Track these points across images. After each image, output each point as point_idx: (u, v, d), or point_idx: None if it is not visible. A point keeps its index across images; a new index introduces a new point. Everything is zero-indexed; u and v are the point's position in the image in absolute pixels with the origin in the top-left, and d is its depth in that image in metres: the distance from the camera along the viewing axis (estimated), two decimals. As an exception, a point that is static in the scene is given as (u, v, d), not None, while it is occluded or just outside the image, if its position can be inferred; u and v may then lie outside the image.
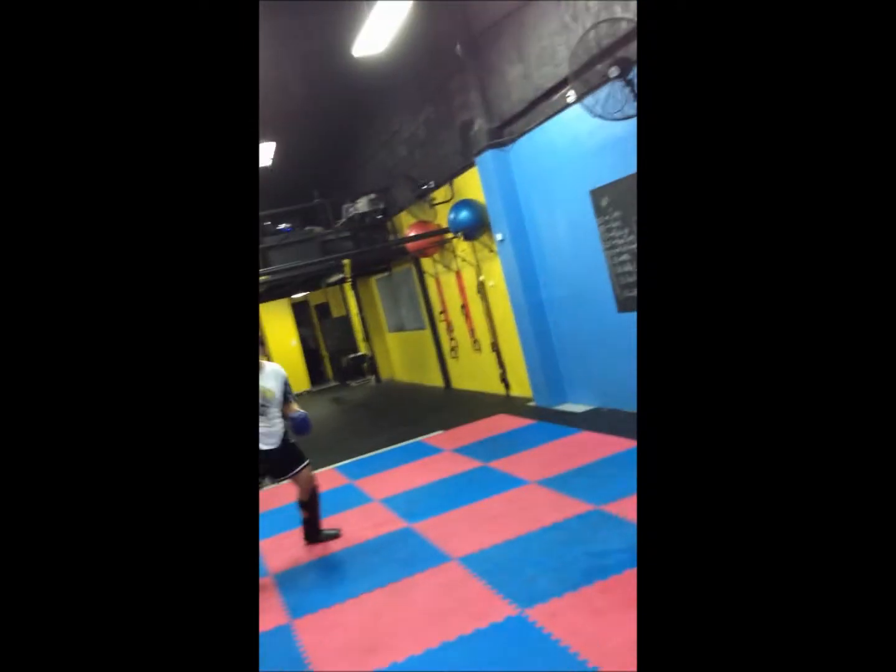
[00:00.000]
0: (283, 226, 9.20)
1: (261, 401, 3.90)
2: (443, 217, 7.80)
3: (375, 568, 3.73)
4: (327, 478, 5.99)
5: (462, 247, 7.89)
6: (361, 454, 6.47)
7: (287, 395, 4.10)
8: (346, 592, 3.50)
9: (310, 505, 4.26)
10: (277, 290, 10.58)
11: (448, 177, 7.78)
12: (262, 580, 3.90)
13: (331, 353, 13.52)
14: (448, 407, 8.38)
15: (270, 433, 3.97)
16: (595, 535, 3.48)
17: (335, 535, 4.31)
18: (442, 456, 5.89)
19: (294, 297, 13.31)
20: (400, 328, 11.08)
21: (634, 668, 2.31)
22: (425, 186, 8.21)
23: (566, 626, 2.67)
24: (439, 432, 6.79)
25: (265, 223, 9.04)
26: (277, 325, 13.42)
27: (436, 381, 9.77)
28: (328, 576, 3.82)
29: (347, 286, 11.52)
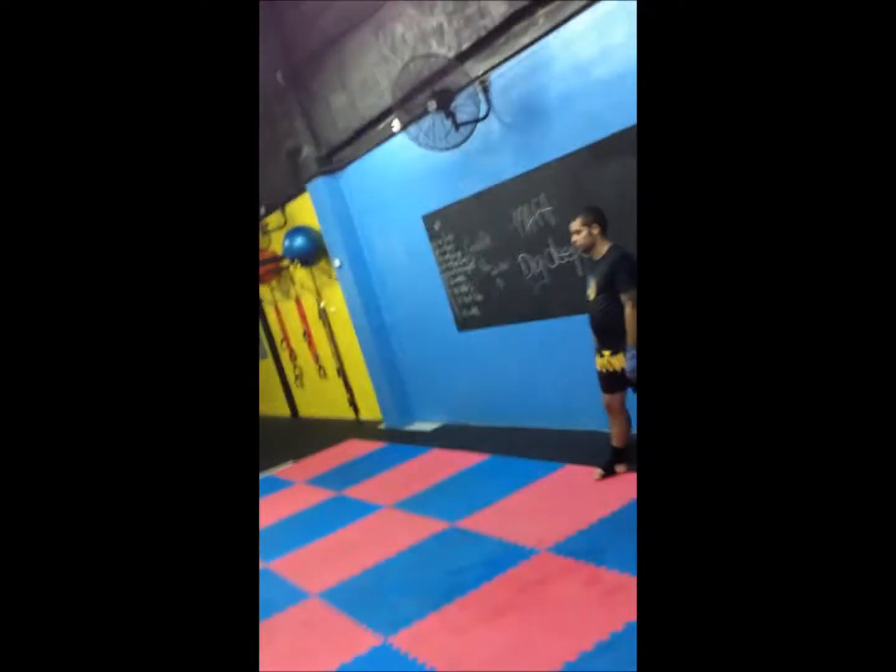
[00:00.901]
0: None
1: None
2: (277, 244, 7.67)
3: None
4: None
5: (300, 273, 7.81)
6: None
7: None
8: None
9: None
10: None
11: (279, 202, 7.67)
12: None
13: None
14: (297, 436, 8.23)
15: None
16: (452, 552, 3.59)
17: None
18: (294, 489, 5.78)
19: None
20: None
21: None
22: (265, 207, 8.04)
23: (430, 648, 2.74)
24: (290, 464, 6.65)
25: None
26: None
27: (282, 410, 9.55)
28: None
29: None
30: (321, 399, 8.46)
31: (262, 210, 7.95)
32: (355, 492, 5.14)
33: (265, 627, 3.33)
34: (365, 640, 2.94)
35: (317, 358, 8.18)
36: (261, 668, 2.92)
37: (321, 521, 4.69)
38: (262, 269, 7.97)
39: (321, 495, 5.32)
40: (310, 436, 7.87)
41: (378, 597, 3.32)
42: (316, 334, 8.04)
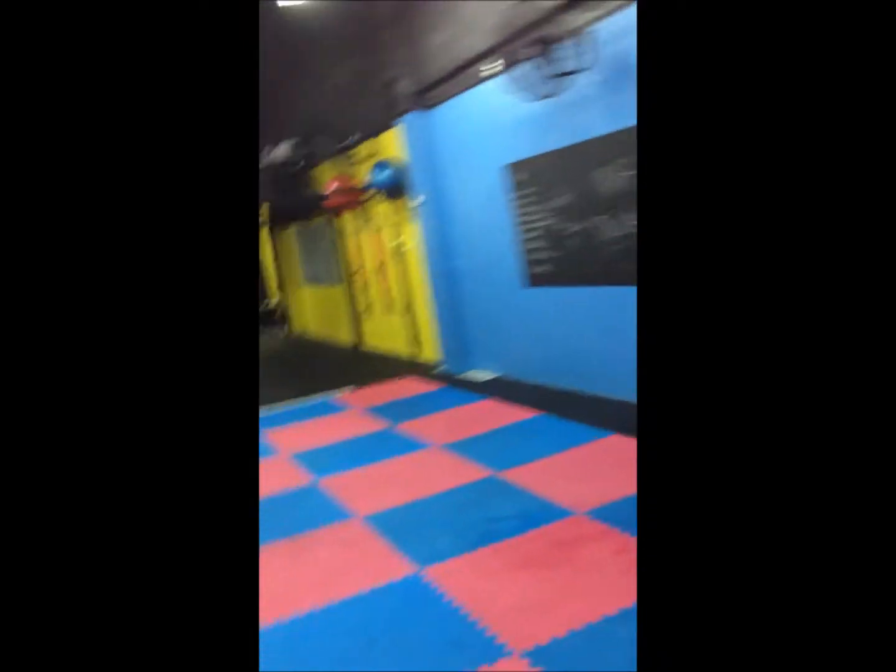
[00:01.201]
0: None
1: None
2: (364, 174, 7.76)
3: (279, 521, 3.84)
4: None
5: (382, 206, 7.90)
6: (269, 405, 6.50)
7: None
8: (251, 547, 3.60)
9: None
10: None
11: (372, 133, 7.72)
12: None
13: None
14: (359, 365, 8.48)
15: None
16: (491, 500, 3.72)
17: None
18: (350, 414, 6.02)
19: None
20: (315, 281, 11.00)
21: (521, 630, 2.56)
22: (349, 140, 8.12)
23: (459, 585, 2.89)
24: (349, 390, 6.89)
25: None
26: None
27: (348, 338, 9.82)
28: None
29: (264, 232, 11.28)
30: (386, 333, 8.66)
31: (355, 138, 8.02)
32: (407, 427, 5.32)
33: (306, 539, 3.56)
34: (399, 568, 3.11)
35: (387, 292, 8.33)
36: (297, 579, 3.16)
37: (372, 449, 4.89)
38: (345, 198, 8.09)
39: (375, 425, 5.53)
40: (370, 366, 8.10)
41: (417, 529, 3.49)
42: (389, 269, 8.17)
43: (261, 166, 8.98)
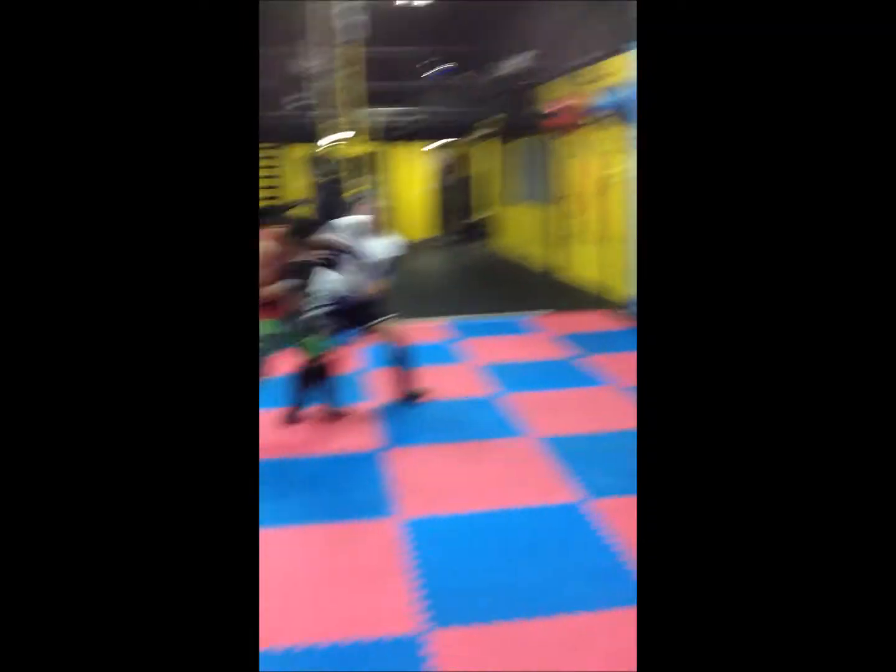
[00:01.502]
0: (441, 67, 9.01)
1: (350, 254, 4.04)
2: (589, 96, 7.49)
3: (455, 425, 4.09)
4: (430, 330, 6.37)
5: (600, 133, 7.62)
6: (464, 315, 6.78)
7: (384, 270, 4.22)
8: (430, 438, 3.90)
9: (400, 355, 4.38)
10: (419, 134, 10.61)
11: (603, 55, 7.36)
12: (365, 406, 4.36)
13: (450, 209, 13.61)
14: (559, 290, 8.48)
15: (351, 282, 4.10)
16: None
17: (418, 395, 4.44)
18: (543, 336, 6.12)
19: (427, 146, 13.27)
20: (525, 200, 10.99)
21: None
22: (579, 61, 7.83)
23: (619, 524, 2.93)
24: (545, 313, 6.97)
25: (424, 62, 8.88)
26: (407, 170, 13.53)
27: (551, 260, 9.80)
28: (420, 420, 4.22)
29: (483, 145, 11.38)
30: (592, 262, 8.53)
31: (593, 57, 7.71)
32: (591, 361, 5.32)
33: (482, 446, 3.78)
34: (562, 493, 3.22)
35: (599, 220, 8.15)
36: (467, 479, 3.38)
37: (555, 375, 4.98)
38: (566, 119, 7.90)
39: (561, 352, 5.59)
40: (571, 293, 8.09)
41: (587, 460, 3.54)
42: (596, 198, 7.95)
43: (492, 77, 8.93)
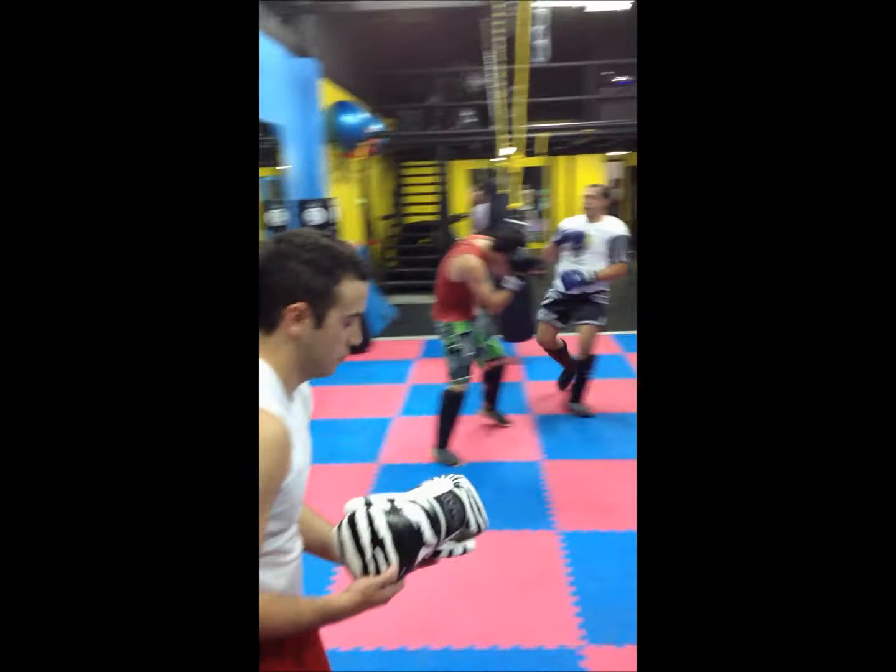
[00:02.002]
0: (621, 78, 8.89)
1: (578, 244, 4.18)
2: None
3: (627, 439, 3.94)
4: (602, 343, 6.21)
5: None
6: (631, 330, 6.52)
7: (615, 252, 4.15)
8: (595, 453, 3.79)
9: (581, 364, 4.38)
10: (599, 145, 10.46)
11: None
12: (525, 417, 4.34)
13: (633, 216, 13.24)
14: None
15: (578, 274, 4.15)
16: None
17: (586, 413, 4.38)
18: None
19: (610, 154, 13.02)
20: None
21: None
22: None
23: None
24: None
25: (603, 73, 8.81)
26: (586, 177, 13.34)
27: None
28: (583, 433, 4.13)
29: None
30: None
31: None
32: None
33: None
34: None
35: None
36: (631, 497, 3.22)
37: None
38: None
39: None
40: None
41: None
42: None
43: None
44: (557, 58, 8.76)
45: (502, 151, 9.92)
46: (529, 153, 9.41)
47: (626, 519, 3.03)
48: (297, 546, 1.17)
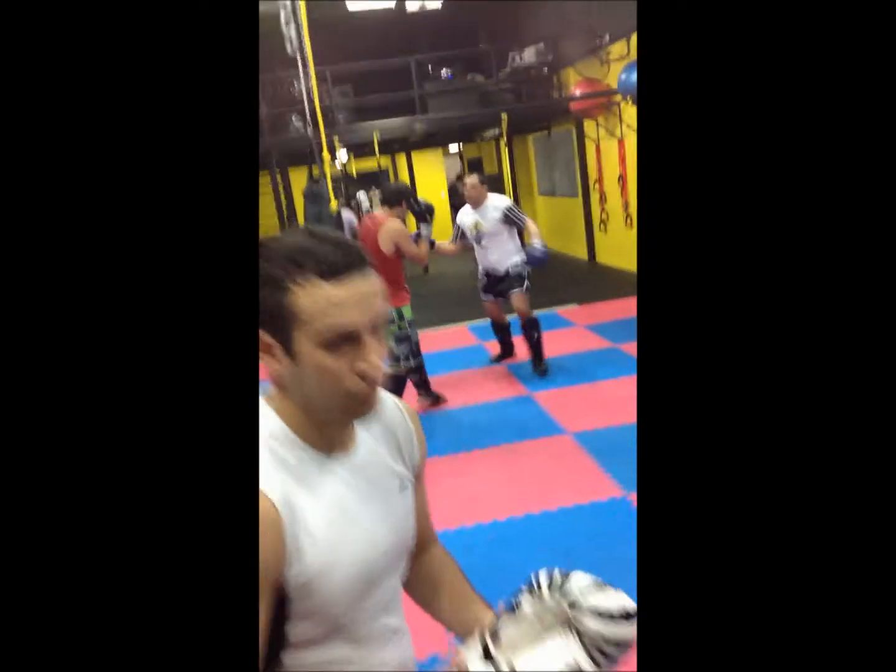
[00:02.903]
0: (443, 72, 8.92)
1: (475, 231, 4.52)
2: (614, 76, 7.22)
3: (491, 429, 3.87)
4: (458, 336, 6.16)
5: (630, 112, 7.33)
6: (494, 316, 6.54)
7: (516, 223, 4.50)
8: (463, 445, 3.68)
9: (525, 330, 4.63)
10: (431, 139, 10.48)
11: (628, 30, 7.09)
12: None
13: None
14: (589, 281, 8.19)
15: (487, 259, 4.60)
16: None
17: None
18: (573, 330, 5.85)
19: (448, 148, 13.14)
20: (550, 193, 10.73)
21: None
22: (599, 40, 7.57)
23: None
24: (574, 305, 6.70)
25: (428, 67, 8.81)
26: (427, 174, 13.39)
27: (580, 252, 9.51)
28: (448, 428, 4.01)
29: (503, 143, 11.19)
30: (622, 249, 8.23)
31: (606, 38, 7.46)
32: (631, 348, 5.03)
33: (517, 448, 3.54)
34: (606, 489, 2.97)
35: (626, 206, 7.85)
36: (503, 486, 3.15)
37: (590, 368, 4.71)
38: (591, 102, 7.64)
39: (597, 343, 5.32)
40: (601, 283, 7.78)
41: (628, 453, 3.29)
42: (631, 180, 7.66)
43: (503, 72, 8.78)
44: (380, 56, 8.68)
45: (338, 154, 9.68)
46: (365, 154, 9.25)
47: (490, 509, 2.93)
48: (386, 657, 0.87)
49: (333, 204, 5.64)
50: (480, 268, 4.74)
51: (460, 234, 4.66)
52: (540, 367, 4.69)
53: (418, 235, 3.87)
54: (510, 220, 4.51)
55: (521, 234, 4.69)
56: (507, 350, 5.13)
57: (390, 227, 3.65)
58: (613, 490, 2.96)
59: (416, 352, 3.92)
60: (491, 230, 4.50)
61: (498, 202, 4.55)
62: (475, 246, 4.64)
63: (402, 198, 3.76)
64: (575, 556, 2.50)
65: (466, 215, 4.61)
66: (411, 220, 4.00)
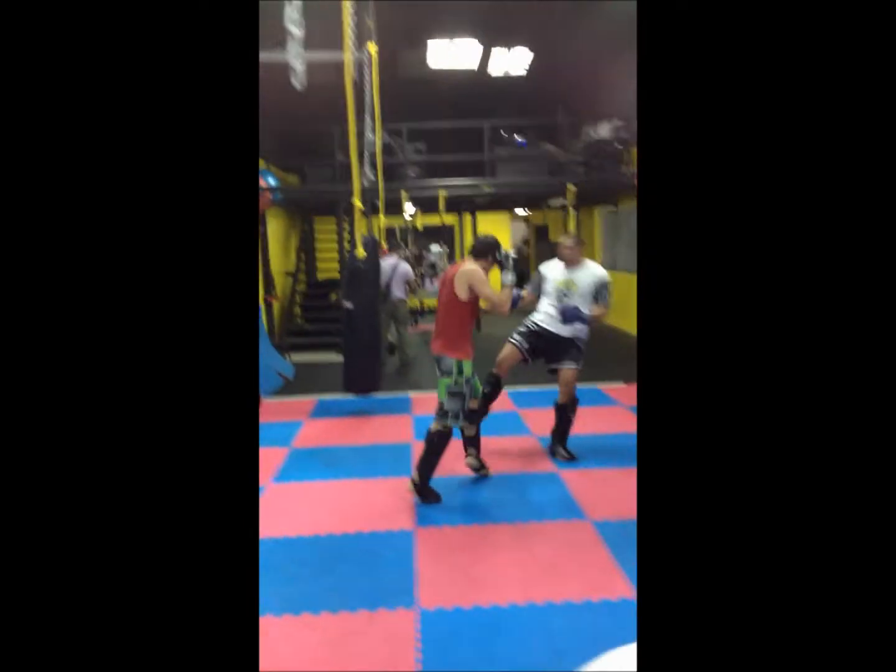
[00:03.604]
0: (517, 138, 9.03)
1: (563, 289, 4.36)
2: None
3: (510, 503, 3.71)
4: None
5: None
6: (536, 384, 6.40)
7: (598, 296, 4.36)
8: (473, 518, 3.53)
9: (561, 410, 4.40)
10: (498, 204, 10.57)
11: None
12: (405, 480, 4.07)
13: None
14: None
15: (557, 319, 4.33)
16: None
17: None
18: (615, 410, 5.65)
19: (516, 212, 13.23)
20: (613, 266, 10.61)
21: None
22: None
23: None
24: (621, 384, 6.50)
25: (501, 133, 8.94)
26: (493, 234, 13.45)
27: (634, 329, 9.31)
28: (462, 495, 3.87)
29: (570, 213, 11.20)
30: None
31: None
32: (672, 436, 4.81)
33: (532, 529, 3.37)
34: (619, 587, 2.77)
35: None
36: (508, 568, 2.98)
37: (627, 451, 4.51)
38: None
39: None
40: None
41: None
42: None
43: (577, 145, 8.83)
44: (456, 116, 8.87)
45: (407, 208, 9.84)
46: (432, 210, 9.38)
47: (492, 592, 2.76)
48: None
49: (360, 250, 5.47)
50: (540, 317, 4.43)
51: (538, 287, 4.49)
52: (561, 451, 4.43)
53: (518, 297, 3.87)
54: (600, 293, 4.37)
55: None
56: (484, 410, 4.44)
57: (468, 269, 3.60)
58: (624, 589, 2.75)
59: (466, 412, 3.73)
60: (583, 293, 4.33)
61: (598, 271, 4.43)
62: (553, 302, 4.38)
63: (489, 250, 3.71)
64: (569, 658, 2.31)
65: (558, 271, 4.44)
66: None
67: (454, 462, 4.35)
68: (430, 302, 12.42)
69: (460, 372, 3.61)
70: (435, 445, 3.68)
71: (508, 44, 9.74)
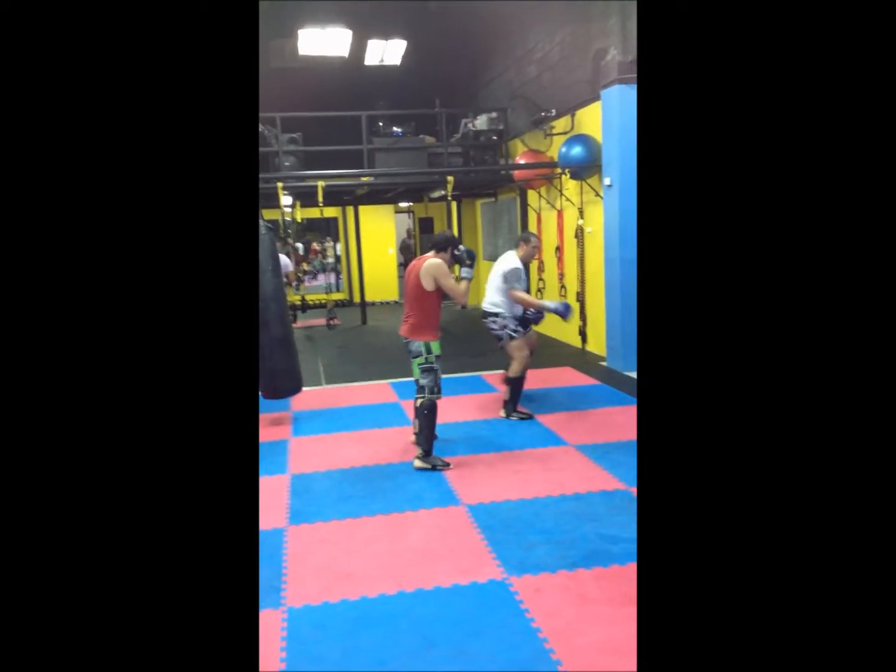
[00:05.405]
0: (395, 129, 8.99)
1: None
2: (557, 149, 7.35)
3: (385, 493, 3.69)
4: (378, 392, 6.00)
5: (569, 185, 7.46)
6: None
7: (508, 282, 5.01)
8: (348, 511, 3.48)
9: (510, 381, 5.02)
10: (380, 196, 10.49)
11: (571, 107, 7.27)
12: (281, 477, 3.95)
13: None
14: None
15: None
16: (613, 516, 3.27)
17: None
18: (494, 396, 5.75)
19: (399, 205, 13.19)
20: (493, 258, 10.79)
21: (598, 670, 2.16)
22: (545, 114, 7.74)
23: (546, 605, 2.52)
24: (501, 371, 6.61)
25: (379, 123, 8.86)
26: (376, 228, 13.32)
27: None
28: (338, 490, 3.81)
29: (453, 204, 11.28)
30: (554, 319, 8.24)
31: (552, 112, 7.64)
32: (548, 419, 4.95)
33: (405, 518, 3.36)
34: (488, 570, 2.81)
35: (561, 276, 7.91)
36: (381, 558, 2.96)
37: (503, 436, 4.59)
38: (533, 173, 7.75)
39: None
40: (542, 349, 7.73)
41: (521, 531, 3.15)
42: (567, 252, 7.73)
43: (454, 137, 8.90)
44: (334, 107, 8.72)
45: (284, 201, 9.57)
46: (312, 204, 9.18)
47: (362, 584, 2.73)
48: None
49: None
50: (515, 310, 5.14)
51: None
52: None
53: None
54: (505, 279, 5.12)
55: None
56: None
57: (432, 263, 3.98)
58: (494, 571, 2.79)
59: (439, 384, 4.10)
60: (496, 284, 5.19)
61: (509, 260, 5.25)
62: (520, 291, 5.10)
63: (448, 244, 4.11)
64: (438, 644, 2.31)
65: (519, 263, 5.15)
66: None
67: (323, 457, 4.28)
68: (312, 297, 12.17)
69: (430, 351, 4.06)
70: (427, 418, 4.03)
71: (386, 35, 9.68)
